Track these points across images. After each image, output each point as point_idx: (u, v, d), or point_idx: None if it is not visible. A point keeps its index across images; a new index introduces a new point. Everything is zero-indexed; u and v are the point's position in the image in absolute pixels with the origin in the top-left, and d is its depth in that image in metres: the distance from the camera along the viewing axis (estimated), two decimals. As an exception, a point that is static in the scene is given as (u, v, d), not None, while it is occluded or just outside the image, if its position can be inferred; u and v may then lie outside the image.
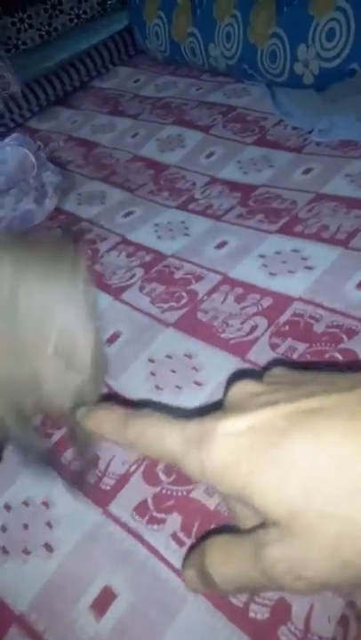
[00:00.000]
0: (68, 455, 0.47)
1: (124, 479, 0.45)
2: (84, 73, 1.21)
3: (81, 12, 1.19)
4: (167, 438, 0.23)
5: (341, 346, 0.50)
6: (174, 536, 0.40)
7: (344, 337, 0.50)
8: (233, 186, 0.78)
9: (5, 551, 0.42)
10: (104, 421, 0.27)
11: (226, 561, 0.22)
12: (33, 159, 0.87)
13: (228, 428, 0.21)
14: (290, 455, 0.19)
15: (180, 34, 1.08)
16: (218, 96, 1.02)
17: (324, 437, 0.19)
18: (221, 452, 0.20)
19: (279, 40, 0.88)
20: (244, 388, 0.23)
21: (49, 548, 0.42)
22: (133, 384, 0.53)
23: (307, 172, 0.75)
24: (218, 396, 0.49)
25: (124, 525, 0.42)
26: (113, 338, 0.60)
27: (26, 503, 0.46)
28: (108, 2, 1.23)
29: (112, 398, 0.52)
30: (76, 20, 1.20)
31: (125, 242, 0.75)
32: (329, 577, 0.18)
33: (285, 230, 0.66)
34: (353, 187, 0.68)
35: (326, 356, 0.49)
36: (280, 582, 0.20)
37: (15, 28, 1.12)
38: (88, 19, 1.21)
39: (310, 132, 0.82)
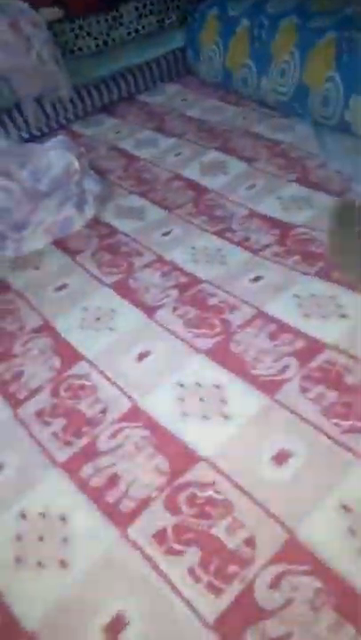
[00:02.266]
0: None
1: (144, 503, 0.45)
2: (133, 85, 1.23)
3: (140, 26, 1.22)
4: None
5: (372, 400, 0.50)
6: (191, 571, 0.40)
7: (376, 391, 0.51)
8: (272, 222, 0.79)
9: (19, 560, 0.42)
10: None
11: None
12: (77, 166, 0.88)
13: None
14: None
15: (234, 62, 1.10)
16: (264, 128, 1.03)
17: None
18: None
19: (334, 85, 0.90)
20: None
21: (63, 564, 0.42)
22: (161, 406, 0.54)
23: (347, 218, 0.76)
24: (245, 430, 0.50)
25: (141, 551, 0.42)
26: (143, 355, 0.60)
27: (42, 514, 0.46)
28: (167, 20, 1.26)
29: (137, 417, 0.53)
30: (133, 34, 1.22)
31: (161, 261, 0.75)
32: None
33: (322, 275, 0.67)
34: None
35: (356, 408, 0.50)
36: None
37: (73, 34, 1.14)
38: (145, 34, 1.23)
39: (352, 179, 0.83)
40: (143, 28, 1.22)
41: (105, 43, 1.18)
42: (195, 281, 0.70)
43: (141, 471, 0.48)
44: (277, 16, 1.03)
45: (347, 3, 0.97)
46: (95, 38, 1.18)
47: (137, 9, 1.21)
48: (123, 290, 0.71)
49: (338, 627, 0.37)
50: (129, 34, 1.21)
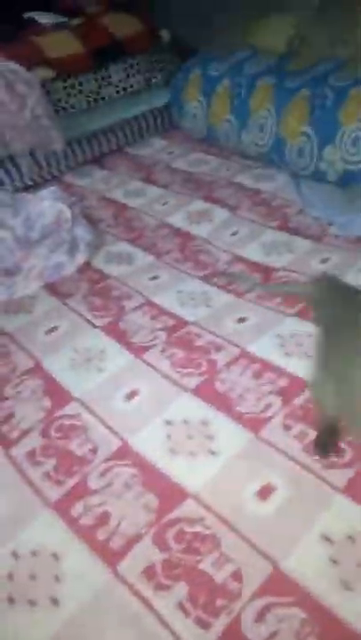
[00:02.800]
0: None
1: (134, 540, 0.46)
2: (122, 138, 1.30)
3: (128, 85, 1.30)
4: None
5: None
6: (180, 605, 0.41)
7: None
8: (255, 266, 0.83)
9: (11, 600, 0.43)
10: None
11: None
12: (68, 215, 0.93)
13: None
14: None
15: (216, 118, 1.18)
16: (246, 178, 1.10)
17: None
18: None
19: (308, 139, 0.97)
20: None
21: (55, 602, 0.43)
22: (150, 444, 0.55)
23: (324, 261, 0.81)
24: (231, 466, 0.52)
25: (131, 587, 0.43)
26: (132, 395, 0.62)
27: (34, 553, 0.46)
28: (153, 80, 1.35)
29: (126, 455, 0.54)
30: (122, 92, 1.30)
31: (150, 304, 0.79)
32: None
33: (302, 314, 0.70)
34: (368, 282, 0.74)
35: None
36: None
37: (65, 92, 1.21)
38: (133, 92, 1.32)
39: (330, 224, 0.88)
40: (131, 86, 1.30)
41: (95, 100, 1.26)
42: (182, 323, 0.73)
43: (131, 509, 0.49)
44: (255, 76, 1.12)
45: (319, 61, 1.06)
46: (87, 96, 1.25)
47: (125, 69, 1.29)
48: (113, 332, 0.73)
49: (323, 657, 0.38)
50: (117, 92, 1.29)
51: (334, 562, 0.43)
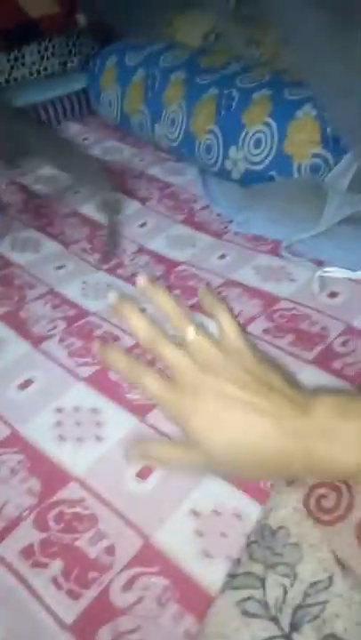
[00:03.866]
0: None
1: (15, 523, 0.49)
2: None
3: (42, 67, 1.27)
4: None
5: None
6: (54, 580, 0.45)
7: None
8: (159, 258, 0.87)
9: None
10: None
11: (167, 455, 0.44)
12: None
13: (193, 405, 0.40)
14: (220, 432, 0.38)
15: (130, 107, 1.19)
16: (157, 170, 1.12)
17: (237, 431, 0.37)
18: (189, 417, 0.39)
19: (215, 137, 1.01)
20: (199, 378, 0.40)
21: None
22: (39, 431, 0.58)
23: (222, 257, 0.86)
24: (116, 450, 0.55)
25: (9, 566, 0.45)
26: (26, 384, 0.64)
27: None
28: (69, 64, 1.33)
29: (15, 442, 0.56)
30: (36, 74, 1.27)
31: (52, 293, 0.80)
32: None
33: (196, 308, 0.74)
34: (258, 278, 0.79)
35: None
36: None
37: (-26, 72, 1.18)
38: (48, 75, 1.29)
39: (231, 222, 0.93)
40: (45, 69, 1.28)
41: (7, 81, 1.22)
42: (83, 313, 0.75)
43: (14, 492, 0.51)
44: (169, 69, 1.14)
45: (231, 61, 1.10)
46: (-3, 76, 1.22)
47: (39, 51, 1.27)
48: (11, 321, 0.74)
49: (180, 616, 0.42)
50: (31, 74, 1.26)
51: (199, 533, 0.48)
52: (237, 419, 0.37)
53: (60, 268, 0.86)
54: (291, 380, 0.39)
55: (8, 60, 1.22)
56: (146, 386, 0.41)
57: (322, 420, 0.34)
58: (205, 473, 0.49)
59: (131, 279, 0.82)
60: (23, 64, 1.25)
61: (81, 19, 1.32)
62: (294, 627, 0.37)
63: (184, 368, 0.39)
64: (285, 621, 0.37)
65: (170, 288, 0.80)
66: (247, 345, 0.41)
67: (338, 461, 0.34)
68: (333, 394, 0.36)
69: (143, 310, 0.44)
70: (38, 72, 1.27)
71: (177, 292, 0.79)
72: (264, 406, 0.36)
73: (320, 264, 0.81)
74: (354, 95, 0.77)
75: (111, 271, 0.85)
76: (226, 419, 0.37)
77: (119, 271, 0.85)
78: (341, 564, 0.39)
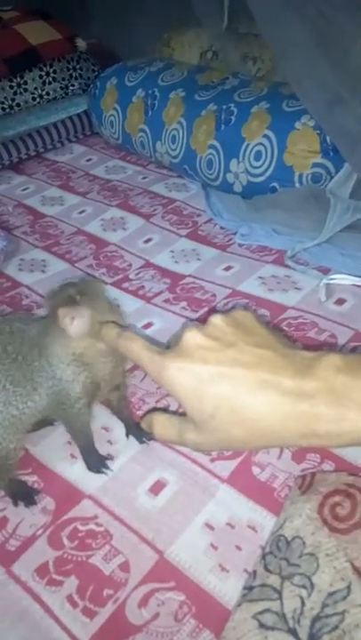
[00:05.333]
0: None
1: (29, 541, 0.49)
2: (40, 144, 1.31)
3: (44, 92, 1.30)
4: (142, 357, 0.37)
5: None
6: (69, 598, 0.44)
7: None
8: (164, 272, 0.87)
9: None
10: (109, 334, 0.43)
11: (164, 430, 0.38)
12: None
13: (179, 365, 0.34)
14: (210, 393, 0.33)
15: (132, 127, 1.21)
16: (160, 187, 1.14)
17: (229, 389, 0.32)
18: (172, 377, 0.34)
19: (215, 152, 1.02)
20: (194, 339, 0.35)
21: None
22: (51, 451, 0.58)
23: (228, 269, 0.86)
24: (127, 467, 0.55)
25: (24, 585, 0.45)
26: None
27: None
28: (70, 87, 1.36)
29: (28, 464, 0.56)
30: (38, 99, 1.30)
31: (60, 312, 0.80)
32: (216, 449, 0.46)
33: (204, 320, 0.75)
34: (263, 288, 0.80)
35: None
36: (193, 449, 0.37)
37: (-21, 99, 1.21)
38: (50, 99, 1.32)
39: (234, 234, 0.94)
40: (47, 94, 1.31)
41: (10, 107, 1.25)
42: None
43: (28, 512, 0.51)
44: (168, 88, 1.16)
45: (228, 77, 1.12)
46: (1, 103, 1.25)
47: (41, 76, 1.30)
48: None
49: (197, 632, 0.42)
50: (34, 99, 1.29)
51: (214, 547, 0.47)
52: (240, 387, 0.32)
53: (67, 286, 0.87)
54: (293, 346, 0.36)
55: (11, 87, 1.25)
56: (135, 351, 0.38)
57: (330, 378, 0.30)
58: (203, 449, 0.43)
59: (136, 293, 0.83)
60: (26, 90, 1.28)
61: (80, 43, 1.36)
62: (313, 638, 0.36)
63: (188, 337, 0.35)
64: (304, 633, 0.37)
65: (177, 299, 0.80)
66: (243, 314, 0.38)
67: (348, 423, 0.30)
68: (341, 354, 0.32)
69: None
70: (41, 97, 1.30)
71: (183, 304, 0.79)
72: (261, 367, 0.32)
73: (326, 272, 0.81)
74: (345, 106, 0.78)
75: (117, 286, 0.85)
76: (231, 392, 0.32)
77: (125, 285, 0.85)
78: (359, 573, 0.39)
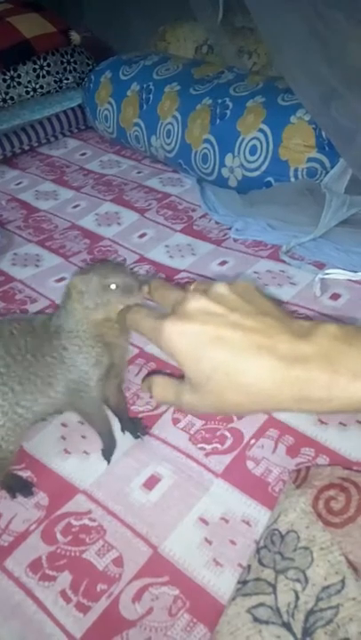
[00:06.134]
0: None
1: (22, 537, 0.48)
2: (34, 138, 1.29)
3: (38, 86, 1.29)
4: (145, 324, 0.38)
5: (231, 425, 0.57)
6: (63, 593, 0.44)
7: (235, 418, 0.58)
8: (159, 267, 0.87)
9: None
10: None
11: (162, 391, 0.37)
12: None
13: (179, 328, 0.34)
14: (207, 356, 0.33)
15: (126, 121, 1.20)
16: (155, 182, 1.13)
17: (226, 352, 0.32)
18: (172, 339, 0.34)
19: (210, 146, 1.02)
20: (198, 302, 0.34)
21: None
22: (44, 446, 0.57)
23: (222, 263, 0.86)
24: (120, 464, 0.55)
25: (17, 580, 0.45)
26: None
27: None
28: (64, 81, 1.35)
29: (21, 459, 0.56)
30: (32, 93, 1.29)
31: (54, 306, 0.80)
32: (210, 413, 0.38)
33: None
34: (258, 283, 0.79)
35: (218, 433, 0.57)
36: (188, 411, 0.40)
37: (-28, 92, 1.20)
38: (44, 93, 1.31)
39: (229, 229, 0.93)
40: (41, 87, 1.29)
41: (4, 100, 1.24)
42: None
43: (22, 508, 0.51)
44: (163, 81, 1.15)
45: (223, 71, 1.11)
46: (-6, 96, 1.23)
47: (35, 70, 1.28)
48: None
49: (191, 627, 0.42)
50: (27, 92, 1.28)
51: (208, 541, 0.47)
52: (237, 351, 0.32)
53: (60, 280, 0.86)
54: (292, 316, 0.36)
55: (4, 80, 1.24)
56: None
57: (325, 344, 0.31)
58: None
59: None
60: (19, 83, 1.27)
61: (75, 36, 1.34)
62: (307, 632, 0.36)
63: (190, 301, 0.35)
64: (298, 627, 0.37)
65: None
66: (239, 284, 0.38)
67: (339, 389, 0.30)
68: (339, 324, 0.32)
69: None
70: (34, 90, 1.29)
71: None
72: (259, 332, 0.32)
73: (321, 267, 0.81)
74: (340, 101, 0.78)
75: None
76: (228, 356, 0.33)
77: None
78: (353, 567, 0.39)
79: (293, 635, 0.36)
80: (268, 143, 0.95)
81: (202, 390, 0.33)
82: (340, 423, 0.56)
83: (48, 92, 1.32)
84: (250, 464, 0.53)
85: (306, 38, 0.84)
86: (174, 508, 0.50)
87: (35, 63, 1.29)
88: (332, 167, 0.90)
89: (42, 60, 1.30)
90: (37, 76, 1.29)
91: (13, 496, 0.51)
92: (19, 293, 0.84)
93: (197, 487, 0.52)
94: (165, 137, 1.11)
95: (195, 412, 0.44)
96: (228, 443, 0.55)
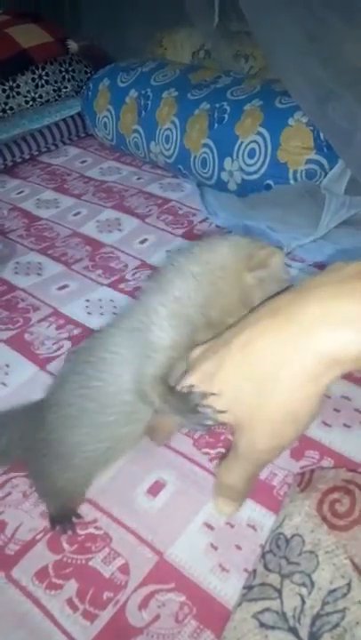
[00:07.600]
0: None
1: (29, 545, 0.48)
2: (35, 147, 1.30)
3: (37, 95, 1.30)
4: None
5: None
6: (69, 601, 0.44)
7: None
8: (160, 272, 0.87)
9: None
10: None
11: (227, 474, 0.38)
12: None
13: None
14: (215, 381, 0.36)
15: (125, 128, 1.21)
16: (155, 187, 1.13)
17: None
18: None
19: (209, 150, 1.02)
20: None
21: None
22: None
23: (224, 267, 0.86)
24: (124, 471, 0.55)
25: (23, 589, 0.45)
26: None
27: None
28: (63, 90, 1.36)
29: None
30: (31, 102, 1.30)
31: (57, 314, 0.80)
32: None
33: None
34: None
35: (222, 437, 0.57)
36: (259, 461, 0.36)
37: (-28, 103, 1.21)
38: (43, 102, 1.32)
39: (230, 232, 0.93)
40: (40, 97, 1.30)
41: (3, 110, 1.25)
42: (88, 332, 0.76)
43: (28, 517, 0.51)
44: (161, 87, 1.16)
45: (220, 76, 1.11)
46: (-6, 106, 1.25)
47: (33, 79, 1.29)
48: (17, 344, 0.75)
49: (198, 633, 0.42)
50: (27, 102, 1.29)
51: (214, 547, 0.47)
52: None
53: (63, 287, 0.87)
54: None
55: (3, 91, 1.25)
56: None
57: (324, 298, 0.32)
58: None
59: (133, 294, 0.83)
60: (18, 93, 1.28)
61: (72, 45, 1.35)
62: (314, 636, 0.36)
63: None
64: (304, 631, 0.37)
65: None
66: None
67: (341, 343, 0.30)
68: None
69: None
70: (33, 100, 1.30)
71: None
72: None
73: (322, 268, 0.81)
74: (337, 102, 0.78)
75: (114, 287, 0.85)
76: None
77: (121, 286, 0.85)
78: (359, 570, 0.39)
79: (300, 639, 0.36)
80: (266, 146, 0.95)
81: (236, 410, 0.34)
82: (345, 425, 0.56)
83: (47, 100, 1.33)
84: (254, 468, 0.53)
85: (301, 40, 0.85)
86: (179, 513, 0.50)
87: (33, 73, 1.30)
88: (330, 168, 0.90)
89: (40, 70, 1.31)
90: (36, 86, 1.30)
91: (54, 527, 0.49)
92: (21, 302, 0.84)
93: (202, 492, 0.52)
94: (164, 142, 1.12)
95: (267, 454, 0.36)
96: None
